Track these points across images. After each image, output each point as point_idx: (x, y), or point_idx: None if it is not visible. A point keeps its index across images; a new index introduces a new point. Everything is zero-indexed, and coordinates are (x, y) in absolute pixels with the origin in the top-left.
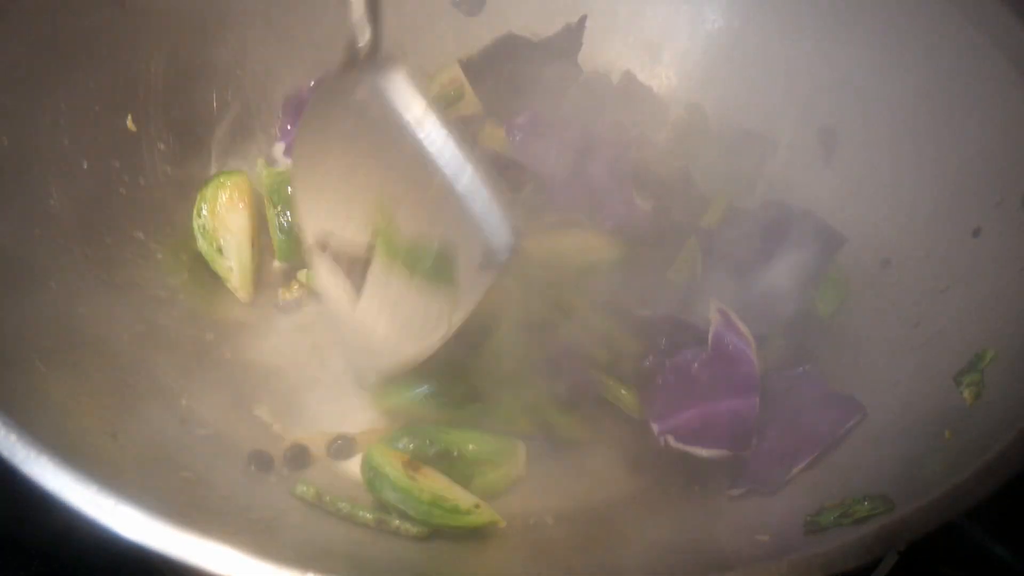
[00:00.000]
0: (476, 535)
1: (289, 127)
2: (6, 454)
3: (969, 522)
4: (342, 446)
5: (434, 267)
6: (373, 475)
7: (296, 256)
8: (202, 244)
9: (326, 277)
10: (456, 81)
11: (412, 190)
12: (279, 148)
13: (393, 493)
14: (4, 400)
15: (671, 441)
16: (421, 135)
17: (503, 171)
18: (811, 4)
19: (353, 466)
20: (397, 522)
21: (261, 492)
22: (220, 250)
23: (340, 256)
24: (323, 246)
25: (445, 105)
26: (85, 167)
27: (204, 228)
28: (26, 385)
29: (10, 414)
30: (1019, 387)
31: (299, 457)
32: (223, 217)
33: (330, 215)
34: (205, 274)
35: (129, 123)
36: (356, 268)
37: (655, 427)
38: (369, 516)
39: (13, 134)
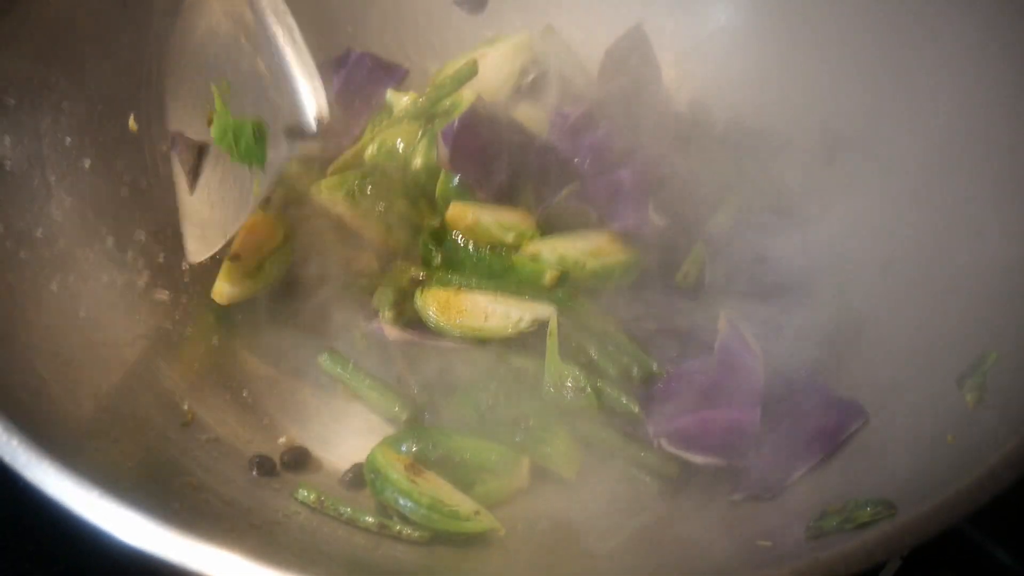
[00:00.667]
0: (477, 540)
1: None
2: (8, 459)
3: (972, 527)
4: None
5: (249, 145)
6: (375, 476)
7: None
8: None
9: (176, 173)
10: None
11: (240, 74)
12: None
13: (393, 495)
14: (6, 404)
15: (664, 444)
16: (248, 23)
17: (550, 165)
18: (813, 4)
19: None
20: (399, 527)
21: (263, 497)
22: None
23: (184, 150)
24: (173, 143)
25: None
26: (87, 167)
27: None
28: (28, 389)
29: (12, 418)
30: (1022, 391)
31: (300, 461)
32: None
33: (182, 113)
34: (208, 277)
35: (131, 123)
36: (195, 160)
37: (650, 429)
38: (371, 520)
39: (15, 134)
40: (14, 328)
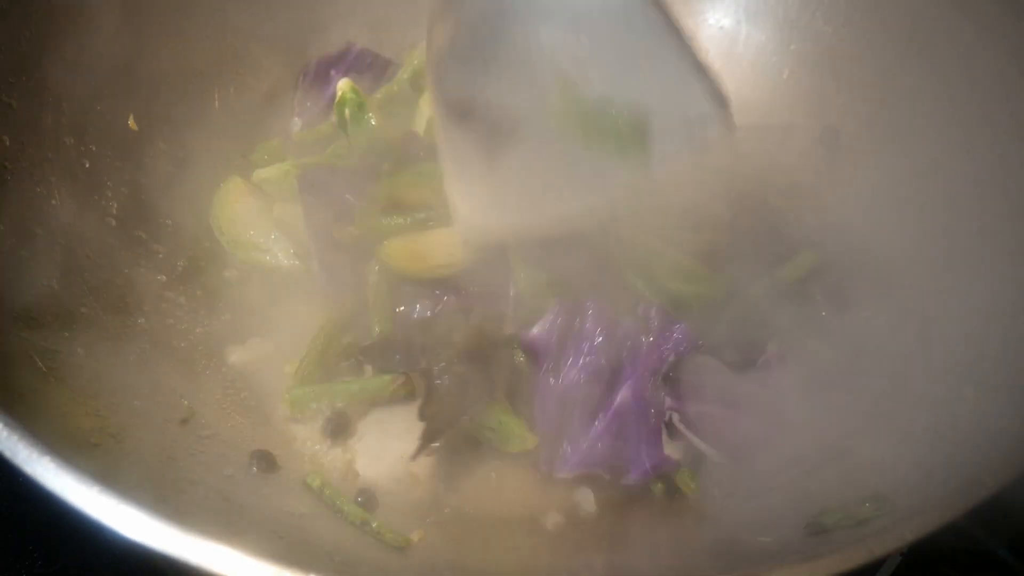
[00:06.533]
0: (476, 536)
1: (309, 104)
2: (8, 454)
3: (973, 524)
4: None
5: (622, 132)
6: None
7: None
8: None
9: (453, 138)
10: None
11: (600, 54)
12: (296, 124)
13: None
14: (6, 400)
15: (675, 419)
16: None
17: None
18: (813, 4)
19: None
20: (375, 524)
21: (263, 492)
22: None
23: (487, 118)
24: (465, 112)
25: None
26: (87, 166)
27: None
28: (28, 385)
29: (12, 414)
30: (1022, 387)
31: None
32: None
33: (486, 82)
34: (207, 274)
35: (131, 122)
36: (501, 131)
37: (667, 400)
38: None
39: (15, 134)
40: (14, 325)
